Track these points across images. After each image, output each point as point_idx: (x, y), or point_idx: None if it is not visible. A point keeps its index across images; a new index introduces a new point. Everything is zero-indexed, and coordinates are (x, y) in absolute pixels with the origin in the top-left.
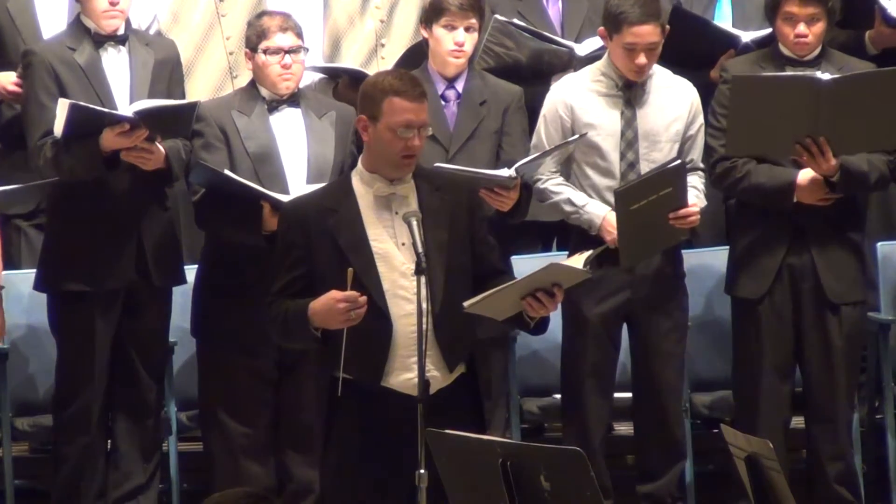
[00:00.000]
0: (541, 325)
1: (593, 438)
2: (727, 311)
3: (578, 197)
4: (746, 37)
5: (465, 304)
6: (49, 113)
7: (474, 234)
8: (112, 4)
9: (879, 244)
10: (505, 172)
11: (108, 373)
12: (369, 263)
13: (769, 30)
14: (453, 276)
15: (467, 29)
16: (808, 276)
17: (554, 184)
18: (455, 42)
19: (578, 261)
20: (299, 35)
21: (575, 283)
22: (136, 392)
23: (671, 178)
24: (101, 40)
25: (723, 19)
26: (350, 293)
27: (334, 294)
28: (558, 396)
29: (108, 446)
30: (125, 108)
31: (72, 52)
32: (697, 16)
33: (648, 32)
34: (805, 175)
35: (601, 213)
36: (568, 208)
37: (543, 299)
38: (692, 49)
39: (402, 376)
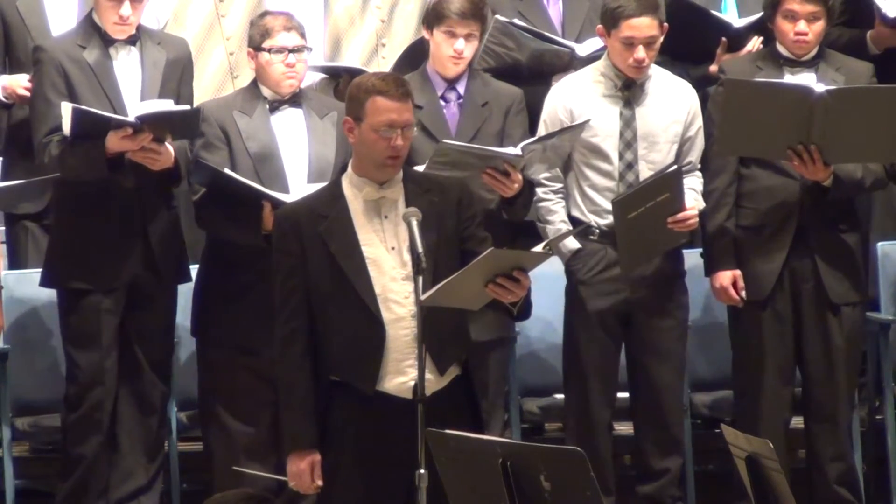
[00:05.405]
0: (523, 311)
1: (598, 437)
2: (727, 310)
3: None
4: (738, 23)
5: (423, 296)
6: (56, 110)
7: (463, 233)
8: (122, 20)
9: (879, 244)
10: (512, 151)
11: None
12: (360, 268)
13: (759, 14)
14: (440, 278)
15: (467, 36)
16: (808, 276)
17: (546, 208)
18: (454, 49)
19: (538, 248)
20: (303, 35)
21: (536, 265)
22: (140, 390)
23: (668, 184)
24: (111, 39)
25: (727, 13)
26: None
27: (311, 481)
28: (558, 396)
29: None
30: (135, 107)
31: (82, 49)
32: (696, 5)
33: (646, 25)
34: None
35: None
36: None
37: (507, 284)
38: (691, 40)
39: (397, 380)
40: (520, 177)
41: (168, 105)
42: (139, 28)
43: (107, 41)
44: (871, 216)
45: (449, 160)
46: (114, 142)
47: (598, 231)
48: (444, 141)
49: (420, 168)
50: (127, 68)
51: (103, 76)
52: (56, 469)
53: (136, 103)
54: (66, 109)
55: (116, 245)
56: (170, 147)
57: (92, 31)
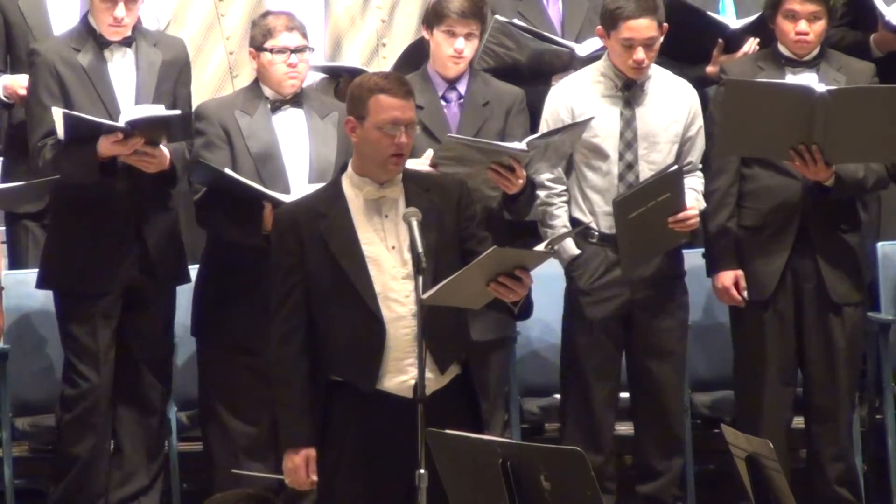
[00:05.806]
0: (524, 310)
1: (603, 442)
2: (728, 310)
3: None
4: (735, 24)
5: (424, 295)
6: (50, 114)
7: (462, 231)
8: (116, 21)
9: (879, 244)
10: (518, 145)
11: (113, 372)
12: (361, 268)
13: (756, 15)
14: (441, 278)
15: (467, 36)
16: (810, 276)
17: (549, 212)
18: (454, 49)
19: (540, 247)
20: (304, 35)
21: (538, 264)
22: (140, 391)
23: (669, 184)
24: (106, 41)
25: (724, 15)
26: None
27: (306, 476)
28: (558, 396)
29: (111, 446)
30: (129, 110)
31: (76, 52)
32: (692, 6)
33: (645, 27)
34: None
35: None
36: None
37: (508, 283)
38: (689, 42)
39: (397, 379)
40: (524, 173)
41: (158, 110)
42: (135, 29)
43: (101, 43)
44: (880, 220)
45: (455, 154)
46: (105, 146)
47: (597, 233)
48: (451, 135)
49: (416, 161)
50: (122, 70)
51: (97, 79)
52: None
53: (131, 106)
54: (58, 115)
55: (112, 248)
56: (165, 150)
57: (87, 33)
